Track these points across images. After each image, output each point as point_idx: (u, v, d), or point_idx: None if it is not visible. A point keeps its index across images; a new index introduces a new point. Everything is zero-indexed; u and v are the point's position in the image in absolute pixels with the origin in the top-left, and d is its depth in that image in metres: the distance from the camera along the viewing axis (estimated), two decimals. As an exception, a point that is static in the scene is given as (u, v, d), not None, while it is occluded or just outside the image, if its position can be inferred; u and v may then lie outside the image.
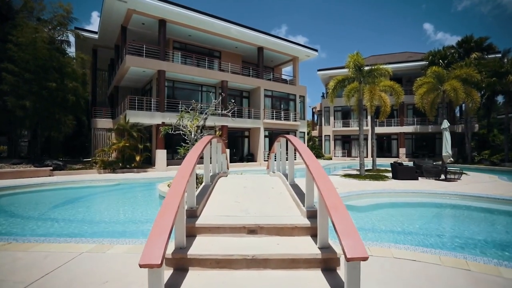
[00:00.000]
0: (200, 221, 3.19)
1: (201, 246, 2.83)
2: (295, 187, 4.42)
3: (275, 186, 5.06)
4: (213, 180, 5.14)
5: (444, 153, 11.70)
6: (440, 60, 23.49)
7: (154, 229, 2.05)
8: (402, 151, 30.41)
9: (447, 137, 11.64)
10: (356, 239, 2.01)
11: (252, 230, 3.09)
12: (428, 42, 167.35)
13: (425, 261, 3.51)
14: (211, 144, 5.39)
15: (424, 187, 9.95)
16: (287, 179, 4.97)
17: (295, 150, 4.05)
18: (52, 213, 7.05)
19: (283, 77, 28.60)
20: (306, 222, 3.17)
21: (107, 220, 6.58)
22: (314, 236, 3.07)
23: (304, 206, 3.45)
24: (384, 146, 32.12)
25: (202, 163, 4.93)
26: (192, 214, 3.32)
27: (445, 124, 11.86)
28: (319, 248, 2.76)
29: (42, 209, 7.49)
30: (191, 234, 3.10)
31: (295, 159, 4.84)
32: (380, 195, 8.91)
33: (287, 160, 5.54)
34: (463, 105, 28.59)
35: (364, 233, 5.56)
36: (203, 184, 4.68)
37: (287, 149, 5.48)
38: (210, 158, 5.57)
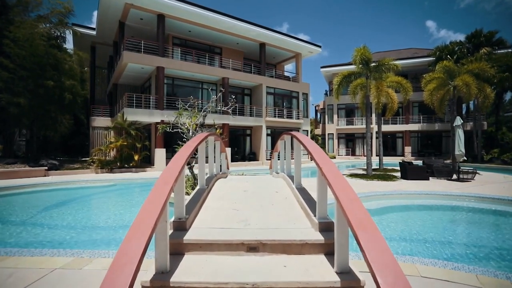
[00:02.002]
0: (190, 236, 2.62)
1: (189, 270, 2.27)
2: (303, 192, 3.84)
3: (279, 189, 4.48)
4: (209, 183, 4.57)
5: (457, 152, 11.05)
6: (448, 56, 22.71)
7: (116, 259, 1.49)
8: (408, 149, 29.70)
9: (460, 135, 10.98)
10: (398, 273, 1.43)
11: (253, 247, 2.52)
12: (430, 39, 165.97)
13: (460, 282, 2.92)
14: (207, 142, 4.83)
15: (438, 188, 9.34)
16: (292, 181, 4.40)
17: (303, 148, 3.49)
18: (36, 218, 6.53)
19: (285, 74, 27.96)
20: (318, 237, 2.59)
21: (95, 226, 6.04)
22: (329, 254, 2.50)
23: (315, 216, 2.87)
24: (388, 144, 31.38)
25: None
26: (180, 227, 2.76)
27: (458, 121, 11.20)
28: (337, 272, 2.19)
29: (26, 213, 6.97)
30: (178, 251, 2.54)
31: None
32: (391, 196, 8.31)
33: (292, 159, 4.97)
34: (470, 102, 27.82)
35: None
36: (197, 188, 4.12)
37: (292, 148, 4.91)
38: (207, 157, 5.01)
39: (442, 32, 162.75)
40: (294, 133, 3.88)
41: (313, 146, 3.03)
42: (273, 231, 2.74)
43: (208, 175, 5.08)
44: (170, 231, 2.72)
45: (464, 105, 28.24)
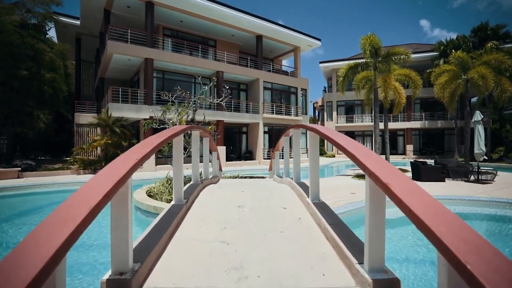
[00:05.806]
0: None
1: None
2: (325, 210, 2.62)
3: (288, 204, 3.25)
4: (190, 195, 3.33)
5: (476, 150, 9.97)
6: (453, 50, 21.69)
7: None
8: (409, 147, 28.78)
9: (480, 132, 9.89)
10: None
11: (254, 339, 1.30)
12: (425, 38, 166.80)
13: None
14: (190, 137, 3.60)
15: (458, 191, 8.21)
16: (306, 192, 3.18)
17: (326, 146, 2.25)
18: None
19: (283, 69, 26.75)
20: (376, 312, 1.39)
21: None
22: None
23: (361, 264, 1.66)
24: (389, 142, 30.40)
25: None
26: (121, 290, 1.52)
27: (478, 116, 10.10)
28: None
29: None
30: None
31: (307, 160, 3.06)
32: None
33: (304, 158, 3.75)
34: (473, 99, 26.94)
35: (415, 266, 3.83)
36: (171, 204, 2.89)
37: (306, 145, 3.63)
38: (188, 157, 3.77)
39: (436, 31, 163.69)
40: (311, 125, 2.68)
41: (352, 143, 1.82)
42: (289, 296, 1.52)
43: (190, 183, 3.84)
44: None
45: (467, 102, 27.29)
